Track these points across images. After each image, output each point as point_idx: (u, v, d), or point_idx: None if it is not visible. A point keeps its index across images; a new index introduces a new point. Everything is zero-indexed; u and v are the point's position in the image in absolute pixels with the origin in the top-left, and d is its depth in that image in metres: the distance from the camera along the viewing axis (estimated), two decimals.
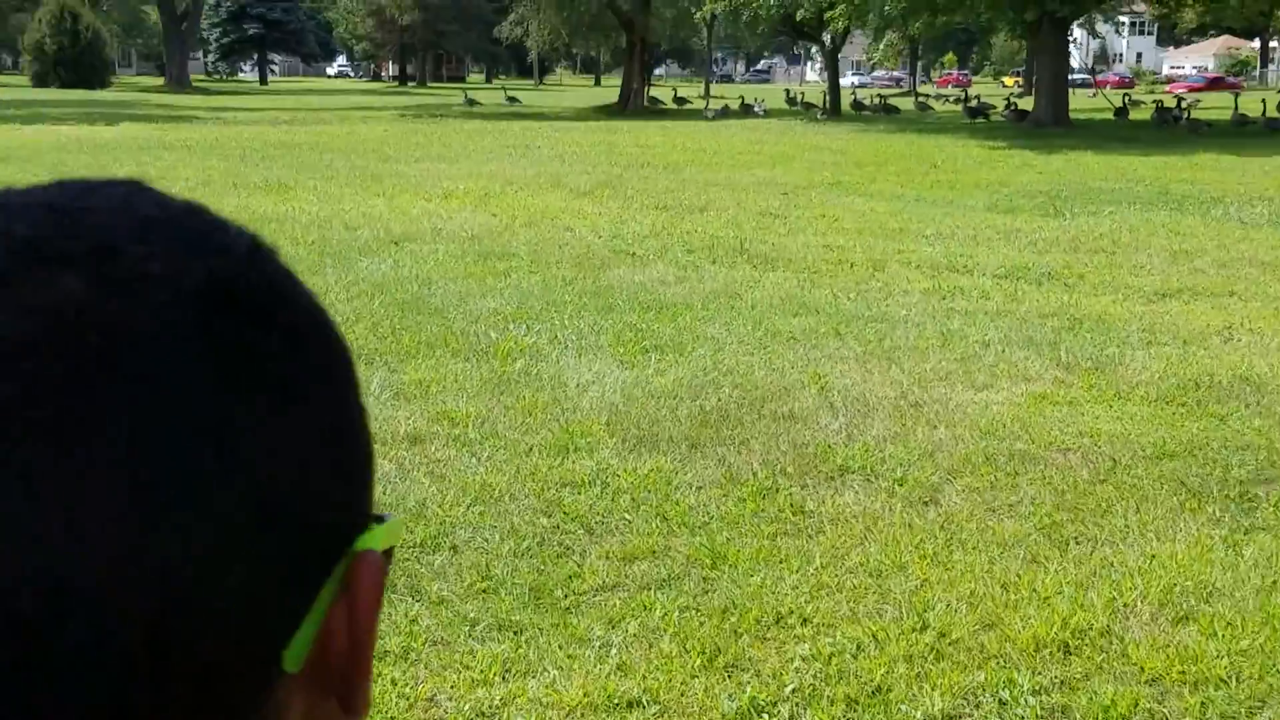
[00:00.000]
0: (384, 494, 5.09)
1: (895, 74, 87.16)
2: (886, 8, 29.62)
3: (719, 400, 6.43)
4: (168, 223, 0.42)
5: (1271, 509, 4.46)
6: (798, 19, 35.88)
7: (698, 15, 43.00)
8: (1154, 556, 4.08)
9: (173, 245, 0.41)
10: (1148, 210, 14.75)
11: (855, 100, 40.06)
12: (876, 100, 40.04)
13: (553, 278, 10.02)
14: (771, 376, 6.91)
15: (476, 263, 10.65)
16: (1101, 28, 74.93)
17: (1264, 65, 76.15)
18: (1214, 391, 6.17)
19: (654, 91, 48.01)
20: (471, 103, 43.34)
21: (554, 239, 12.23)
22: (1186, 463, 5.03)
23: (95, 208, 0.41)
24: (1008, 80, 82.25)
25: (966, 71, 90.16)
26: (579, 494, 5.12)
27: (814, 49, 42.64)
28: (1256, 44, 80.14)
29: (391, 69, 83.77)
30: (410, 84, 74.74)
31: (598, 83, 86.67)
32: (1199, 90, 59.21)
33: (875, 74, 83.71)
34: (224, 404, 0.39)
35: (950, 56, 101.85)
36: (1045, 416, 5.83)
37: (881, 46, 63.61)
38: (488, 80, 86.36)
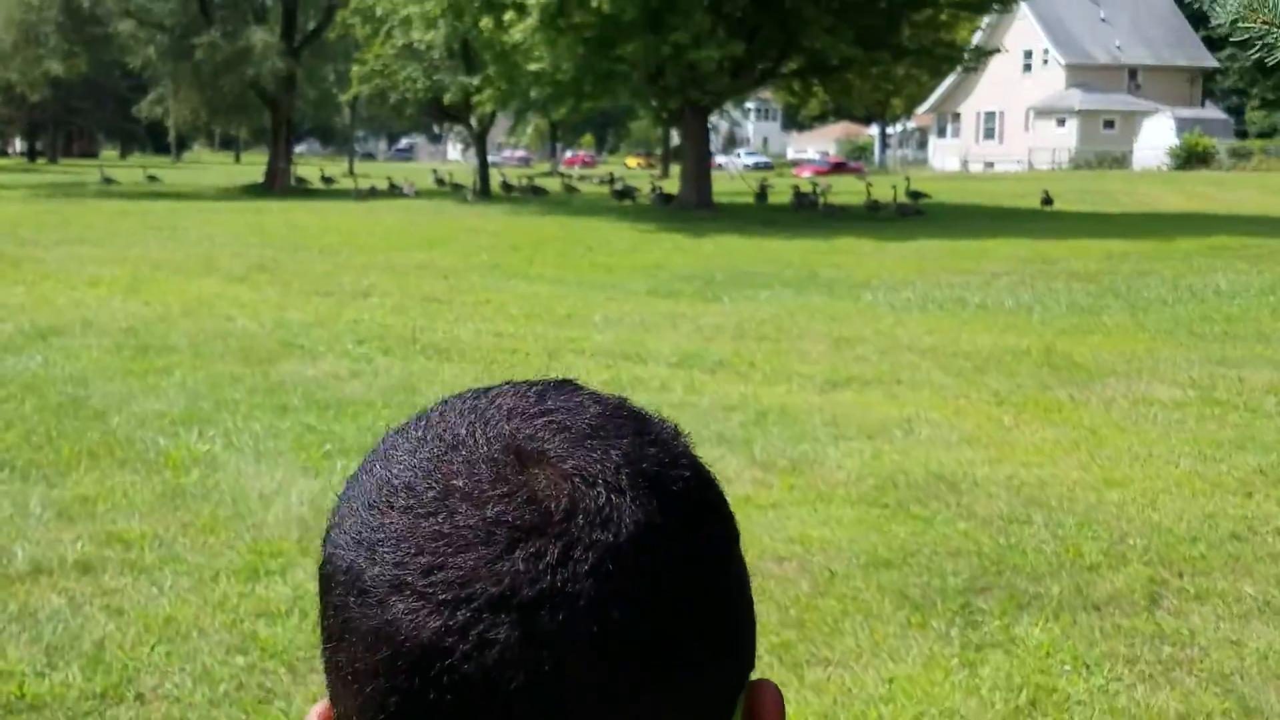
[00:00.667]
0: (56, 634, 4.46)
1: (520, 153, 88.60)
2: (534, 93, 30.01)
3: None
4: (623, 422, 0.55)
5: (997, 622, 4.50)
6: (445, 102, 35.91)
7: (343, 96, 42.43)
8: (892, 680, 4.00)
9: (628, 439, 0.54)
10: (801, 294, 15.34)
11: (504, 182, 40.37)
12: (525, 181, 40.51)
13: (219, 374, 9.34)
14: None
15: (135, 358, 9.81)
16: (733, 113, 79.32)
17: (882, 150, 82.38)
18: (912, 491, 6.29)
19: (299, 170, 46.92)
20: (109, 181, 41.33)
21: (215, 330, 11.47)
22: (903, 572, 5.03)
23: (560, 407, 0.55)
24: (630, 161, 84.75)
25: (591, 153, 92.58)
26: (276, 626, 4.65)
27: (455, 127, 42.71)
28: (874, 129, 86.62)
29: (19, 144, 78.70)
30: (40, 160, 71.53)
31: (238, 160, 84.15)
32: (824, 173, 63.37)
33: (504, 153, 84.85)
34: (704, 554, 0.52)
35: (588, 138, 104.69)
36: (754, 522, 5.77)
37: (529, 130, 64.72)
38: (123, 157, 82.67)
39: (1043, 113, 68.01)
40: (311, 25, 43.24)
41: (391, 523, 0.51)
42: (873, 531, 5.60)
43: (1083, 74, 68.04)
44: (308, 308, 13.37)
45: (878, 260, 19.79)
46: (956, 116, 74.39)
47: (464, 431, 0.53)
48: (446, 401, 0.56)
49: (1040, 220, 27.67)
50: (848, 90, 32.27)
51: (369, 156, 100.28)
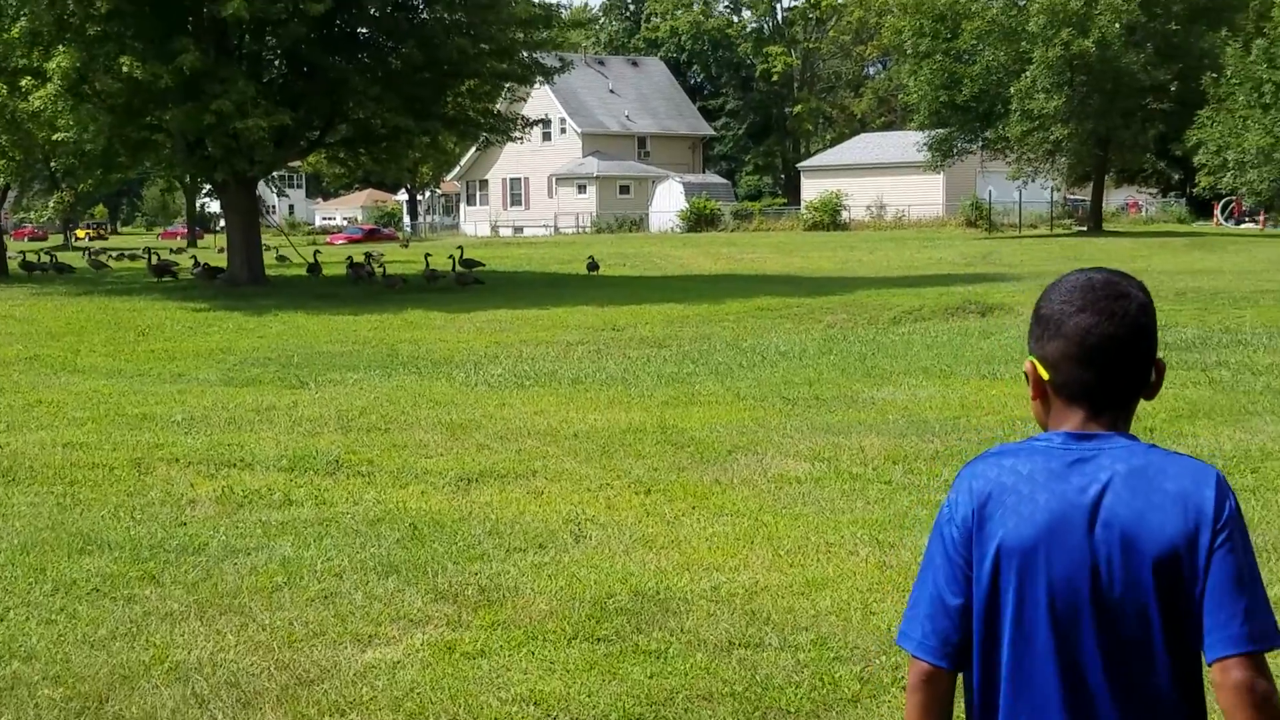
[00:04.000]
0: None
1: (31, 228, 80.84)
2: (55, 164, 27.19)
3: (36, 712, 4.65)
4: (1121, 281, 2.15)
5: None
6: None
7: None
8: None
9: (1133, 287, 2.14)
10: (390, 375, 14.39)
11: (24, 260, 36.15)
12: (47, 259, 36.43)
13: None
14: (98, 659, 5.19)
15: None
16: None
17: (412, 216, 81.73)
18: (626, 618, 5.54)
19: None
20: None
21: None
22: None
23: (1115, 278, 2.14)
24: (81, 232, 76.98)
25: (40, 228, 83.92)
26: None
27: None
28: (402, 196, 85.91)
29: None
30: None
31: None
32: (358, 241, 61.98)
33: (18, 228, 76.82)
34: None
35: (100, 209, 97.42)
36: (467, 679, 4.85)
37: (50, 204, 58.98)
38: None
39: (564, 179, 70.23)
40: None
41: (1073, 292, 2.12)
42: (610, 678, 4.81)
43: (597, 142, 70.92)
44: None
45: (454, 334, 19.15)
46: (484, 183, 75.35)
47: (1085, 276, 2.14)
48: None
49: (593, 286, 28.09)
50: (397, 158, 31.52)
51: None
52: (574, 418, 11.26)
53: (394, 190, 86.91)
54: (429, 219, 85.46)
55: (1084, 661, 2.02)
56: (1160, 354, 2.13)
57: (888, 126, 79.22)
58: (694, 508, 7.82)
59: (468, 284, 28.02)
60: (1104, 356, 2.07)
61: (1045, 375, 2.11)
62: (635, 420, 11.03)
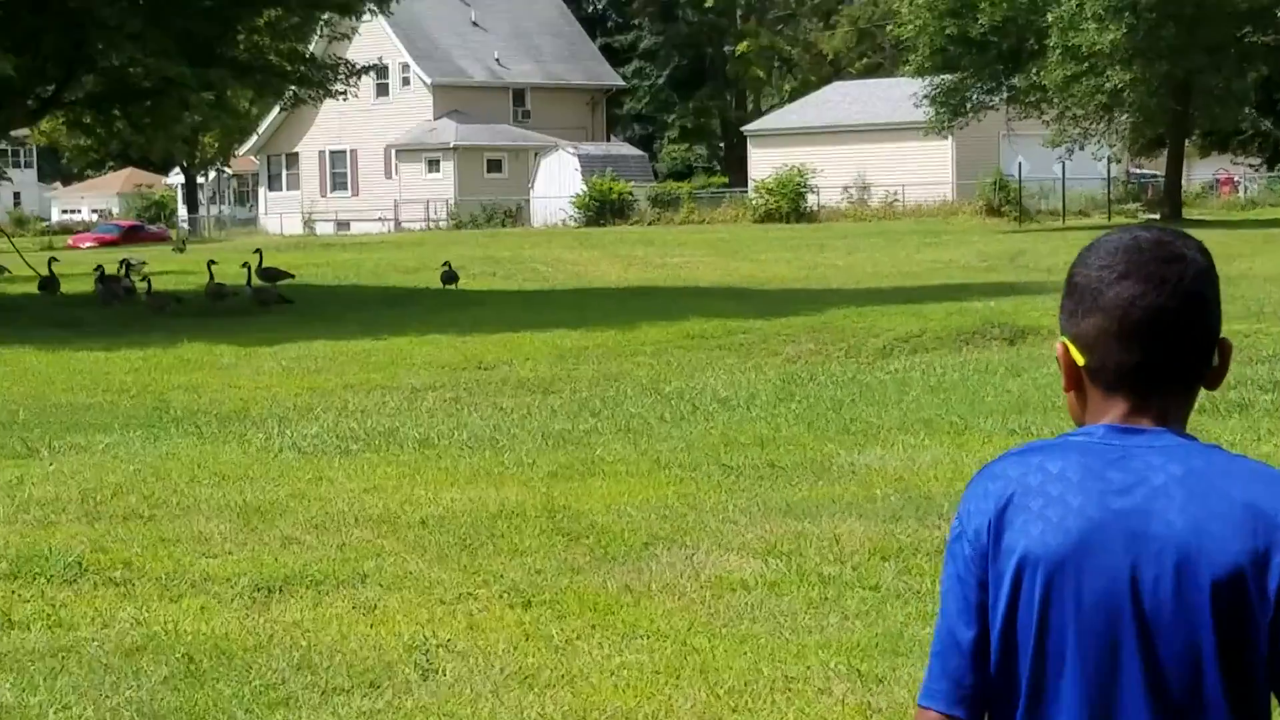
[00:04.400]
0: None
1: None
2: None
3: None
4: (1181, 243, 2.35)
5: None
6: None
7: None
8: None
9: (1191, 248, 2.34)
10: (159, 438, 14.30)
11: None
12: None
13: None
14: None
15: None
16: None
17: (192, 208, 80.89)
18: None
19: None
20: None
21: None
22: None
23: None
24: None
25: None
26: None
27: None
28: (176, 179, 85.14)
29: None
30: None
31: None
32: (114, 243, 61.33)
33: None
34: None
35: None
36: None
37: None
38: None
39: (408, 151, 70.35)
40: None
41: (1114, 255, 2.32)
42: None
43: (456, 97, 71.09)
44: None
45: (251, 376, 19.11)
46: (293, 159, 75.18)
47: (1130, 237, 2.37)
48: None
49: (450, 305, 28.13)
50: (167, 124, 31.30)
51: None
52: (422, 497, 11.25)
53: (164, 170, 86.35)
54: (215, 211, 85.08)
55: (1121, 700, 2.20)
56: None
57: (872, 72, 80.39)
58: (594, 627, 7.86)
59: (269, 304, 27.78)
60: (1151, 333, 2.25)
61: (1080, 359, 2.31)
62: (511, 499, 11.05)
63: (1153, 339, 2.25)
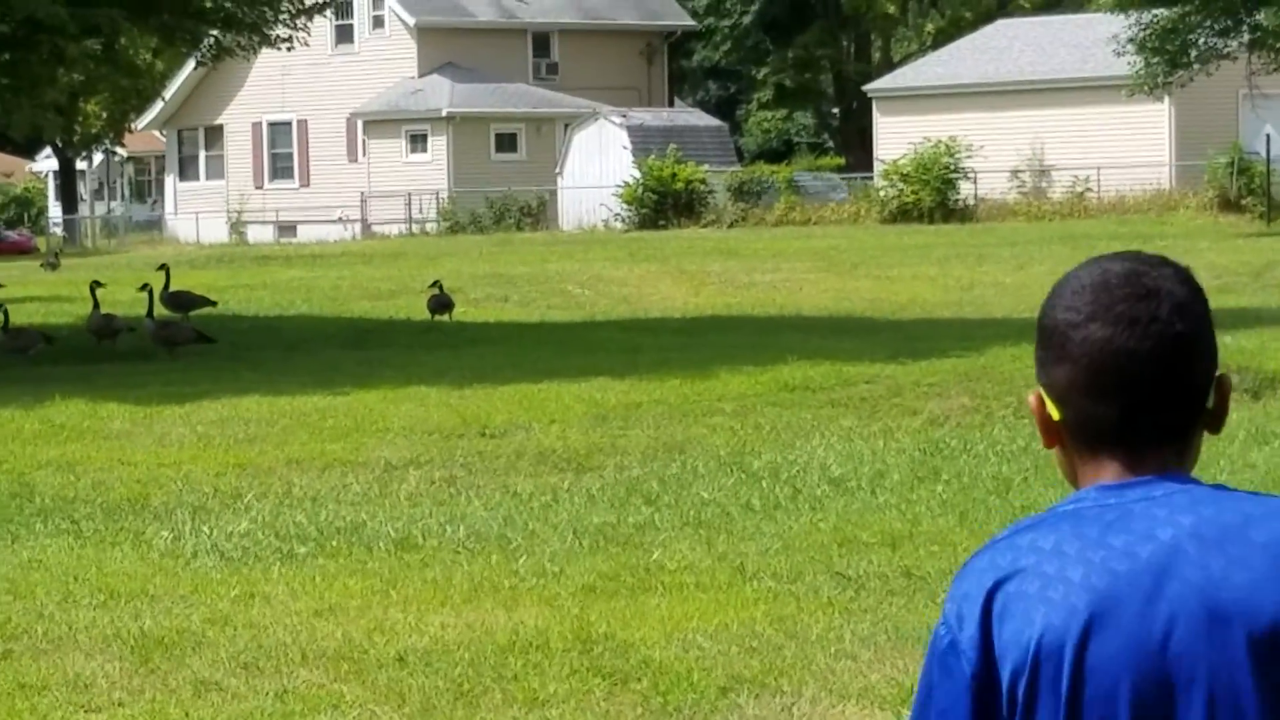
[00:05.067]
0: None
1: None
2: None
3: None
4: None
5: None
6: None
7: None
8: None
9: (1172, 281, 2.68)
10: (17, 539, 14.40)
11: None
12: None
13: None
14: None
15: None
16: None
17: (68, 206, 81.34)
18: None
19: None
20: None
21: None
22: None
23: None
24: None
25: None
26: None
27: None
28: (46, 163, 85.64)
29: None
30: None
31: None
32: None
33: None
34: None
35: None
36: None
37: None
38: None
39: (381, 122, 70.57)
40: None
41: (1080, 295, 2.67)
42: None
43: (450, 44, 71.36)
44: None
45: (152, 448, 19.26)
46: (215, 135, 75.54)
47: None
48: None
49: (439, 345, 28.23)
50: (33, 86, 31.58)
51: None
52: (399, 622, 11.31)
53: (28, 152, 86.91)
54: (102, 209, 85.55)
55: None
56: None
57: (1052, 7, 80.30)
58: None
59: (179, 343, 27.80)
60: (1125, 383, 2.61)
61: (1055, 414, 2.67)
62: (528, 625, 11.09)
63: (1127, 389, 2.60)
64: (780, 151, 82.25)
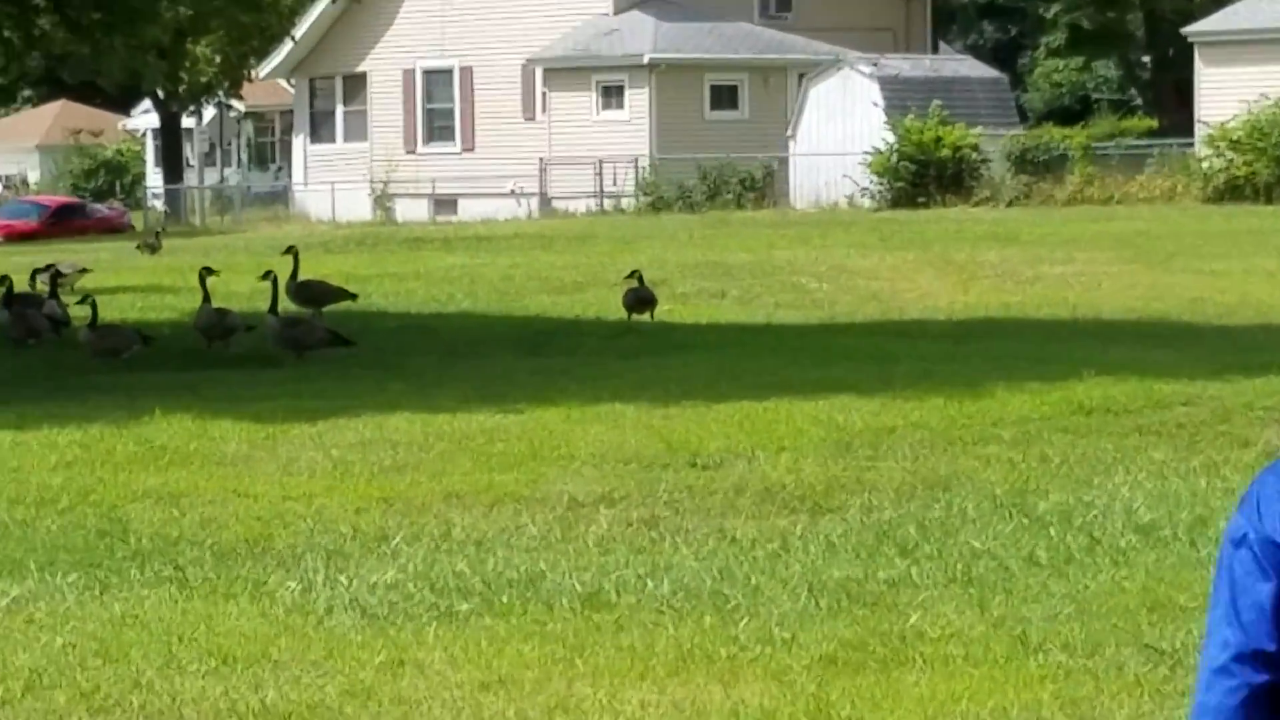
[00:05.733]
0: None
1: None
2: None
3: None
4: None
5: None
6: None
7: None
8: None
9: None
10: (110, 588, 14.60)
11: None
12: None
13: None
14: None
15: None
16: None
17: (173, 175, 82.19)
18: None
19: None
20: None
21: None
22: None
23: None
24: None
25: None
26: None
27: None
28: (145, 120, 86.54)
29: None
30: None
31: None
32: (34, 234, 62.76)
33: None
34: None
35: None
36: None
37: None
38: None
39: (565, 70, 70.96)
40: None
41: None
42: None
43: None
44: None
45: (276, 477, 19.56)
46: (356, 86, 76.12)
47: None
48: None
49: (639, 351, 28.46)
50: (129, 22, 32.02)
51: None
52: (589, 699, 11.39)
53: (123, 106, 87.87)
54: (212, 178, 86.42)
55: None
56: None
57: None
58: None
59: (310, 346, 28.18)
60: None
61: None
62: (751, 704, 11.17)
63: None
64: (1074, 111, 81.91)
